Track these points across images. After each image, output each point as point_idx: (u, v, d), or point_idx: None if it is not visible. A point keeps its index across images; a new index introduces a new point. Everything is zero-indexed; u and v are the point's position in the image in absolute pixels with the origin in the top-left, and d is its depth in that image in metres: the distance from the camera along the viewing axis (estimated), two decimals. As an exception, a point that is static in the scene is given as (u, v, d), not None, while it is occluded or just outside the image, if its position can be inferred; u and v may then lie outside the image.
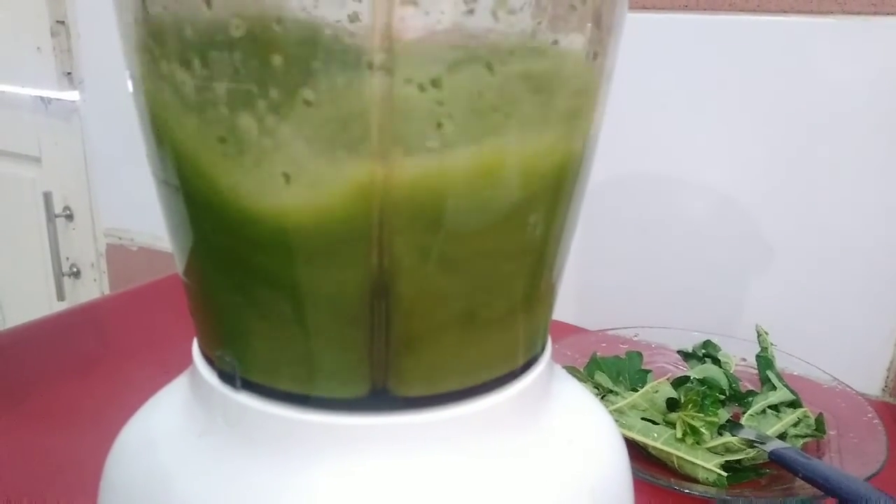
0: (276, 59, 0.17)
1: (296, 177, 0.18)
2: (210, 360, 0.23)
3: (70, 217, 1.07)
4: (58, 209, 1.06)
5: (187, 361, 0.25)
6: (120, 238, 1.03)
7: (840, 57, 0.56)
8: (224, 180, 0.18)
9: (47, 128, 1.05)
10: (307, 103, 0.17)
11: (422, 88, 0.17)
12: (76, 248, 1.09)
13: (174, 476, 0.22)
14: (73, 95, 1.00)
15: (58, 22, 0.97)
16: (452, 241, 0.19)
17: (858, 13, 0.55)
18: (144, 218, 0.99)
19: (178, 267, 0.22)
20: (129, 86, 0.20)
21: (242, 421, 0.21)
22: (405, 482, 0.20)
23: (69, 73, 0.99)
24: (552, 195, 0.21)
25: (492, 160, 0.19)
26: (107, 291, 1.08)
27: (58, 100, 1.02)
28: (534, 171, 0.20)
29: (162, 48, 0.18)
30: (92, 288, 1.10)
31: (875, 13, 0.54)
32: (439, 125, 0.18)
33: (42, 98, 1.03)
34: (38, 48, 0.99)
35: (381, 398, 0.20)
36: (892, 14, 0.54)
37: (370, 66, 0.17)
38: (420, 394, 0.21)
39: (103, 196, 1.03)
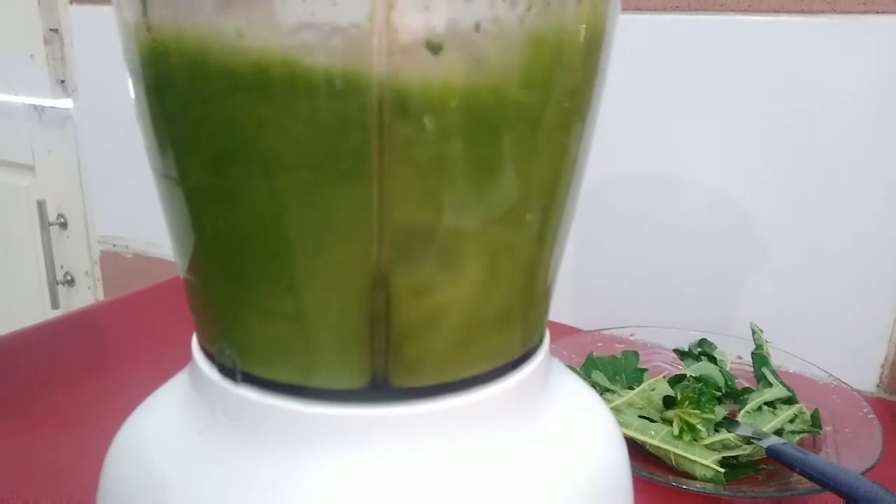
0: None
1: (297, 155, 0.18)
2: (210, 355, 0.23)
3: (64, 225, 1.07)
4: (52, 217, 1.06)
5: (184, 365, 0.25)
6: (114, 245, 1.03)
7: (831, 56, 0.57)
8: (225, 165, 0.18)
9: (41, 136, 1.05)
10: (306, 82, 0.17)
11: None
12: (70, 256, 1.09)
13: (174, 471, 0.22)
14: (66, 103, 1.00)
15: (51, 30, 0.97)
16: (450, 233, 0.19)
17: (848, 12, 0.55)
18: (138, 225, 0.99)
19: (178, 262, 0.22)
20: (129, 82, 0.20)
21: (243, 414, 0.21)
22: (406, 472, 0.20)
23: (63, 81, 0.99)
24: (547, 191, 0.22)
25: (487, 157, 0.19)
26: (101, 299, 1.08)
27: (51, 108, 1.01)
28: (529, 167, 0.20)
29: (160, 42, 0.18)
30: (86, 295, 1.09)
31: (865, 12, 0.55)
32: (433, 119, 0.18)
33: (35, 106, 1.03)
34: (32, 56, 0.99)
35: (381, 389, 0.20)
36: (882, 13, 0.55)
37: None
38: (420, 384, 0.21)
39: (97, 203, 1.02)
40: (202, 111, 0.18)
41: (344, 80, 0.17)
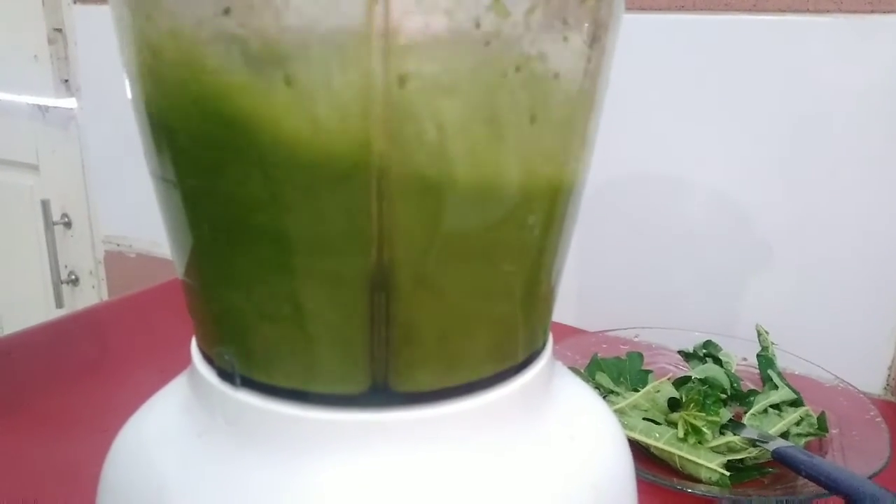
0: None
1: (294, 159, 0.18)
2: (209, 359, 0.23)
3: (68, 224, 1.07)
4: (56, 217, 1.06)
5: (187, 365, 0.25)
6: (118, 245, 1.03)
7: (837, 56, 0.56)
8: (222, 170, 0.18)
9: (45, 135, 1.05)
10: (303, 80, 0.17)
11: (419, 87, 0.17)
12: (74, 256, 1.09)
13: (173, 475, 0.22)
14: (70, 103, 1.00)
15: (55, 30, 0.97)
16: (451, 236, 0.19)
17: (855, 12, 0.55)
18: (142, 224, 0.99)
19: (177, 265, 0.22)
20: (126, 83, 0.20)
21: (242, 419, 0.21)
22: (406, 478, 0.20)
23: (66, 81, 0.99)
24: (551, 193, 0.21)
25: (489, 161, 0.19)
26: (105, 298, 1.08)
27: (55, 107, 1.02)
28: (531, 169, 0.20)
29: (158, 43, 0.18)
30: (90, 295, 1.10)
31: (872, 12, 0.54)
32: (435, 121, 0.18)
33: (39, 106, 1.03)
34: (36, 56, 0.99)
35: (381, 394, 0.20)
36: (889, 13, 0.54)
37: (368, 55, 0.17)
38: (420, 389, 0.20)
39: (101, 203, 1.03)
40: (198, 113, 0.18)
41: (343, 81, 0.17)
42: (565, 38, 0.19)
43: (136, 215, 0.99)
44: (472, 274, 0.20)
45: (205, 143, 0.18)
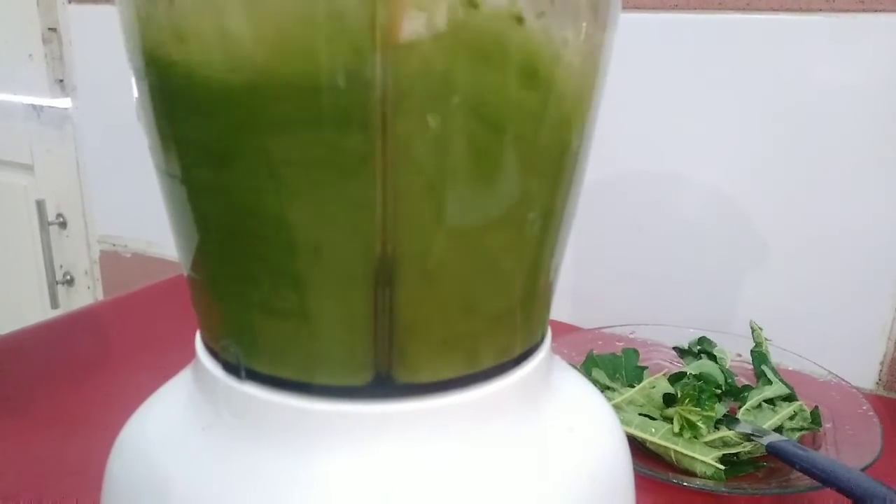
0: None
1: (300, 152, 0.18)
2: (214, 353, 0.23)
3: (63, 225, 1.07)
4: (51, 217, 1.06)
5: (185, 364, 0.25)
6: (113, 245, 1.03)
7: (829, 54, 0.57)
8: (229, 163, 0.19)
9: (40, 135, 1.05)
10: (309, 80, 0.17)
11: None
12: (70, 256, 1.08)
13: (178, 468, 0.22)
14: (65, 103, 1.00)
15: (49, 29, 0.97)
16: (454, 230, 0.19)
17: (846, 11, 0.56)
18: (138, 224, 0.99)
19: (181, 259, 0.22)
20: (132, 79, 0.20)
21: (247, 411, 0.21)
22: (409, 468, 0.20)
23: (61, 81, 0.99)
24: (549, 188, 0.22)
25: (489, 154, 0.19)
26: (101, 299, 1.08)
27: (50, 107, 1.01)
28: (531, 164, 0.21)
29: (162, 36, 0.18)
30: (86, 295, 1.09)
31: (863, 10, 0.55)
32: (436, 117, 0.18)
33: (34, 106, 1.03)
34: (30, 55, 0.99)
35: (384, 385, 0.21)
36: (879, 11, 0.55)
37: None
38: (423, 381, 0.21)
39: (96, 203, 1.02)
40: (204, 108, 0.18)
41: (346, 78, 0.17)
42: (563, 38, 0.20)
43: (132, 215, 0.99)
44: (473, 267, 0.20)
45: (210, 135, 0.19)
